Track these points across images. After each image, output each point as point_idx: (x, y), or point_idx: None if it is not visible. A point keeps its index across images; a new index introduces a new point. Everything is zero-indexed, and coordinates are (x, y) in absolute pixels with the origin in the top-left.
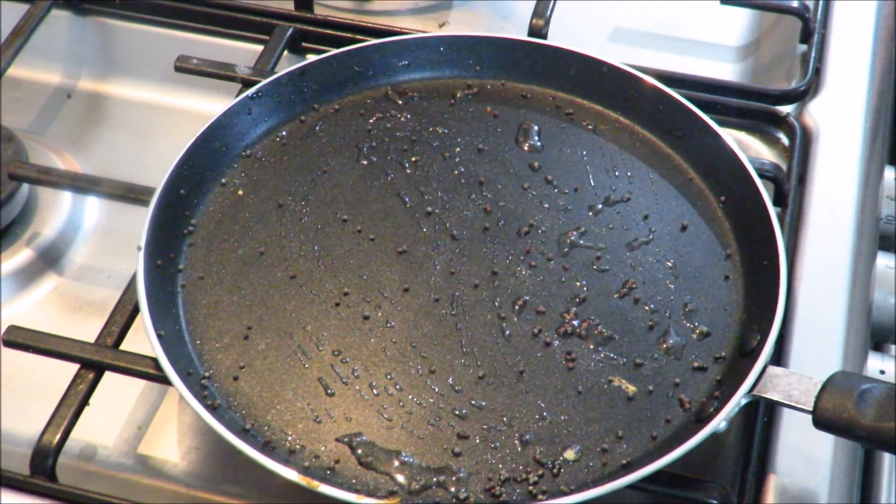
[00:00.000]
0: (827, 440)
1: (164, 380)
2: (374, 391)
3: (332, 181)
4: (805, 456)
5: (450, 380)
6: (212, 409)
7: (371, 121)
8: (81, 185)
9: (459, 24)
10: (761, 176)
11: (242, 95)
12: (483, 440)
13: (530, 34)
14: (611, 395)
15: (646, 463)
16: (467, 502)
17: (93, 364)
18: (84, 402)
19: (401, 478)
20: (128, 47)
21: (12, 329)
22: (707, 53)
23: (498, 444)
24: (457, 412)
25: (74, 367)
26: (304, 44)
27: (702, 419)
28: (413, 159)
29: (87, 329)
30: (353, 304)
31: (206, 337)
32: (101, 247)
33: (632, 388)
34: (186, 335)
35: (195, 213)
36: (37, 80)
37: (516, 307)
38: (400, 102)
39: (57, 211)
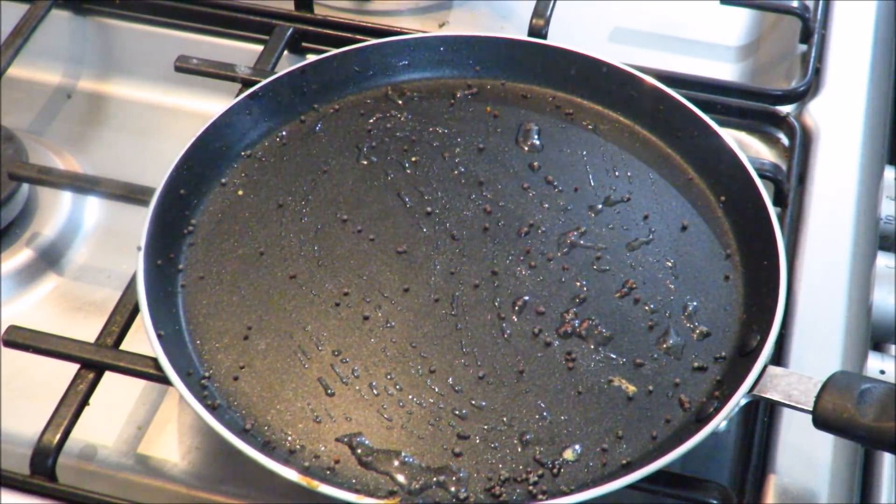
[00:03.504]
0: (827, 440)
1: (164, 380)
2: (374, 391)
3: (332, 181)
4: (805, 456)
5: (450, 380)
6: (212, 409)
7: (371, 121)
8: (81, 185)
9: (459, 24)
10: (761, 176)
11: (242, 95)
12: (483, 440)
13: (530, 34)
14: (611, 395)
15: (646, 463)
16: (467, 502)
17: (93, 364)
18: (84, 402)
19: (401, 478)
20: (128, 47)
21: (12, 329)
22: (707, 53)
23: (498, 444)
24: (457, 412)
25: (74, 367)
26: (304, 44)
27: (702, 419)
28: (413, 159)
29: (87, 329)
30: (353, 305)
31: (206, 337)
32: (101, 247)
33: (632, 388)
34: (186, 335)
35: (195, 213)
36: (37, 80)
37: (516, 307)
38: (400, 102)
39: (57, 211)
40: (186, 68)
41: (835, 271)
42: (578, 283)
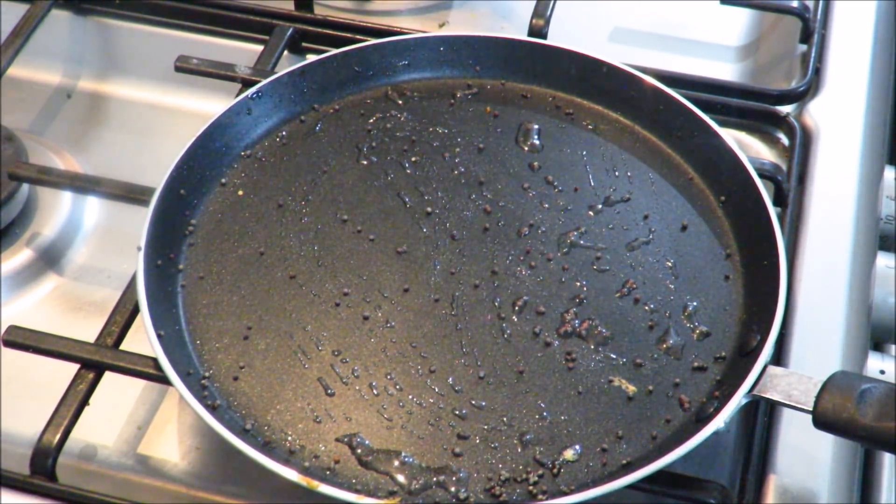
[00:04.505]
0: (827, 440)
1: (164, 380)
2: (374, 391)
3: (332, 181)
4: (805, 456)
5: (450, 380)
6: (212, 409)
7: (371, 121)
8: (81, 185)
9: (459, 24)
10: (761, 176)
11: (242, 95)
12: (483, 440)
13: (530, 34)
14: (611, 395)
15: (646, 463)
16: (467, 502)
17: (93, 364)
18: (84, 402)
19: (401, 478)
20: (128, 47)
21: (12, 329)
22: (707, 53)
23: (498, 445)
24: (457, 412)
25: (74, 367)
26: (304, 44)
27: (702, 419)
28: (413, 159)
29: (87, 329)
30: (352, 305)
31: (206, 337)
32: (101, 247)
33: (632, 389)
34: (186, 335)
35: (195, 213)
36: (37, 80)
37: (516, 307)
38: (400, 102)
39: (57, 211)
40: (186, 68)
41: (835, 271)
42: (578, 283)
